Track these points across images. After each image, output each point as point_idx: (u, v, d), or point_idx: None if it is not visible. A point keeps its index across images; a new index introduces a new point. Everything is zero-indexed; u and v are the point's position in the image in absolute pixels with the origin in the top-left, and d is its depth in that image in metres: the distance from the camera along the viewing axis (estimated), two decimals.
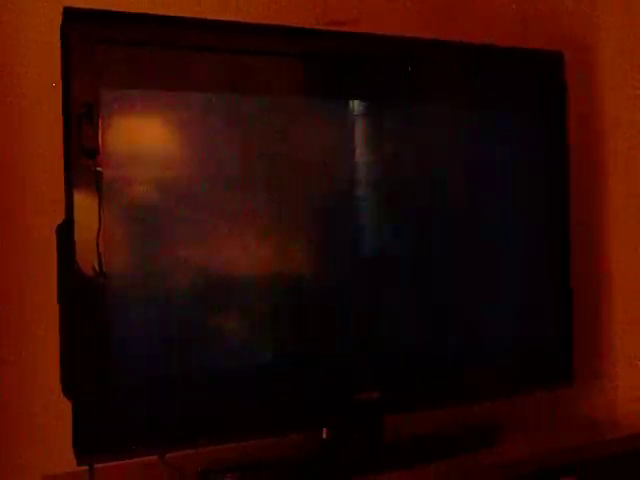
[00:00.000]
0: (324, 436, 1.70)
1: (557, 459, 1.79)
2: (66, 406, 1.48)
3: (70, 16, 1.46)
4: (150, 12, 1.58)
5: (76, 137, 1.46)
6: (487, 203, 1.87)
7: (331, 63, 1.72)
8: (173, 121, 1.57)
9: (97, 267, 1.46)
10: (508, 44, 1.94)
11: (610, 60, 2.19)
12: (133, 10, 1.55)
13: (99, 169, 1.47)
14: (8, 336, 1.66)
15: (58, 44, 1.47)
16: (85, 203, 1.46)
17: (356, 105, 1.73)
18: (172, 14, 1.62)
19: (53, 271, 1.52)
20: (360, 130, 1.73)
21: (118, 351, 1.48)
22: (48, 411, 1.66)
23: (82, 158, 1.46)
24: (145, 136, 1.56)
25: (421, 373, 1.80)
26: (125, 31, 1.52)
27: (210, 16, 1.65)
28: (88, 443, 1.47)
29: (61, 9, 1.46)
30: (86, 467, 1.48)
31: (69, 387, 1.48)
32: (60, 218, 1.48)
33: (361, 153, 1.73)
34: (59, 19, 1.47)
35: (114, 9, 1.52)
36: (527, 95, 1.94)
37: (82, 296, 1.47)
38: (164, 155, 1.57)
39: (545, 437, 1.90)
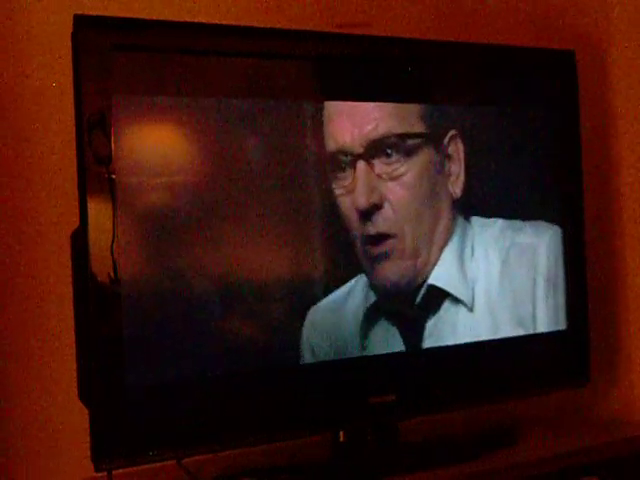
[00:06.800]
0: (341, 439, 1.70)
1: (579, 459, 1.78)
2: (83, 413, 1.48)
3: (81, 24, 1.47)
4: (162, 18, 1.59)
5: (89, 144, 1.46)
6: (502, 198, 1.87)
7: (346, 66, 1.72)
8: (186, 127, 1.56)
9: (112, 273, 1.47)
10: (520, 44, 1.94)
11: (622, 58, 2.18)
12: (144, 16, 1.56)
13: (112, 176, 1.47)
14: (24, 343, 1.66)
15: (70, 52, 1.48)
16: (99, 210, 1.46)
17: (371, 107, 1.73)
18: (184, 20, 1.63)
19: (68, 278, 1.52)
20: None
21: (134, 357, 1.48)
22: (65, 418, 1.66)
23: (95, 165, 1.46)
24: (158, 142, 1.56)
25: (436, 375, 1.79)
26: (136, 38, 1.52)
27: (223, 21, 1.66)
28: (106, 449, 1.47)
29: (72, 17, 1.47)
30: (104, 473, 1.49)
31: (86, 393, 1.49)
32: (75, 225, 1.49)
33: (377, 154, 1.72)
34: (70, 27, 1.47)
35: (125, 15, 1.53)
36: (539, 94, 1.93)
37: (97, 302, 1.47)
38: (178, 161, 1.56)
39: (563, 437, 1.89)
